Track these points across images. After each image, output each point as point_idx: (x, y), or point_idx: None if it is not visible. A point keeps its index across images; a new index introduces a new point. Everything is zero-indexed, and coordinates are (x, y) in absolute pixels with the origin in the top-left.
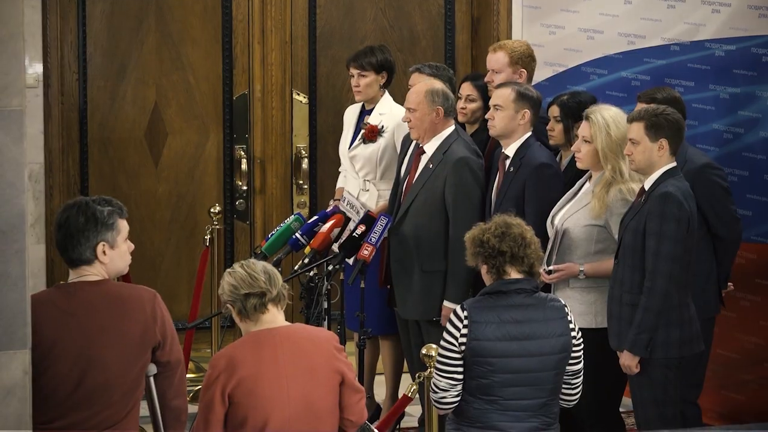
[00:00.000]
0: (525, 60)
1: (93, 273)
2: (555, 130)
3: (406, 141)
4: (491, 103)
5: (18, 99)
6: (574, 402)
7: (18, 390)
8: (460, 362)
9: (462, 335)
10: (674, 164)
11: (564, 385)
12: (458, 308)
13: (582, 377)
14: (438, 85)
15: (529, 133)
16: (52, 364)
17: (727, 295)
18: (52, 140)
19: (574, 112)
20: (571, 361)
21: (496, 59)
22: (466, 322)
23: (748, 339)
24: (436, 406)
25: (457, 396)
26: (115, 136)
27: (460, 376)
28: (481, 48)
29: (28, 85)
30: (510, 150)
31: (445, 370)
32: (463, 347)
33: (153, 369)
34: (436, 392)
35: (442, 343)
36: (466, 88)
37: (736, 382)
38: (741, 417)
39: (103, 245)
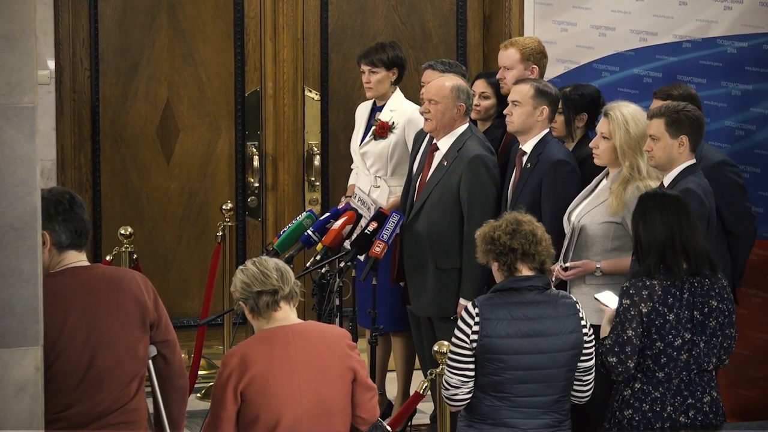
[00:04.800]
0: (536, 57)
1: (83, 259)
2: (556, 122)
3: (418, 138)
4: (510, 98)
5: (30, 96)
6: (586, 399)
7: (30, 387)
8: (472, 359)
9: (473, 332)
10: (694, 161)
11: (576, 382)
12: (469, 305)
13: (594, 374)
14: (463, 82)
15: (547, 130)
16: (61, 352)
17: (739, 292)
18: (64, 137)
19: (576, 105)
20: (582, 358)
21: (508, 56)
22: (477, 319)
23: (759, 336)
24: (447, 403)
25: (468, 393)
26: (127, 132)
27: (472, 373)
28: (493, 45)
29: (40, 82)
30: (527, 146)
31: (456, 367)
32: (474, 344)
33: (153, 350)
34: (447, 389)
35: (454, 340)
36: (480, 85)
37: (747, 379)
38: (752, 414)
39: None
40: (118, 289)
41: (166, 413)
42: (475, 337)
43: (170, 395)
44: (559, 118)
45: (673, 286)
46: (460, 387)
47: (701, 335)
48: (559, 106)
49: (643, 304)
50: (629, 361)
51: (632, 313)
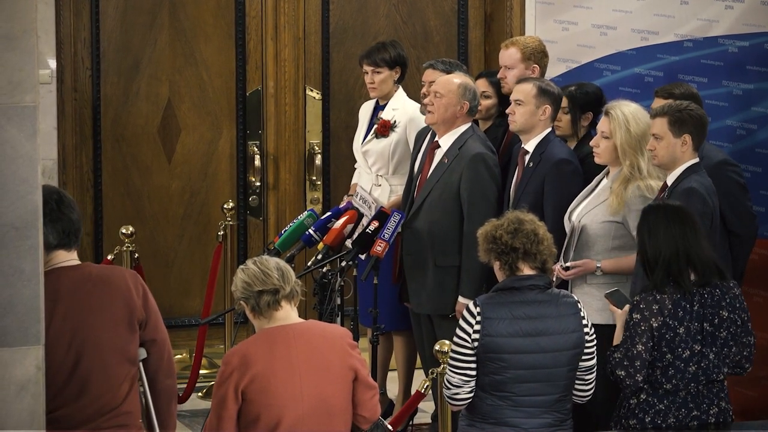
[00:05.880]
0: (537, 56)
1: (73, 258)
2: (562, 121)
3: (420, 137)
4: (512, 98)
5: (31, 95)
6: (588, 398)
7: (31, 386)
8: (473, 358)
9: (475, 331)
10: (697, 160)
11: (577, 381)
12: (471, 304)
13: (595, 373)
14: (472, 83)
15: (550, 129)
16: (46, 353)
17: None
18: (66, 136)
19: (582, 104)
20: (584, 357)
21: (509, 55)
22: (478, 318)
23: (761, 335)
24: (449, 403)
25: (470, 392)
26: (128, 132)
27: (473, 373)
28: (495, 44)
29: (42, 81)
30: (530, 145)
31: (458, 366)
32: (475, 343)
33: (143, 353)
34: (449, 389)
35: (455, 339)
36: (481, 85)
37: (749, 379)
38: (754, 413)
39: None
40: (105, 288)
41: (156, 413)
42: (476, 336)
43: (157, 395)
44: (565, 117)
45: (683, 299)
46: (461, 386)
47: (711, 347)
48: (565, 105)
49: (653, 319)
50: (638, 375)
51: (642, 327)
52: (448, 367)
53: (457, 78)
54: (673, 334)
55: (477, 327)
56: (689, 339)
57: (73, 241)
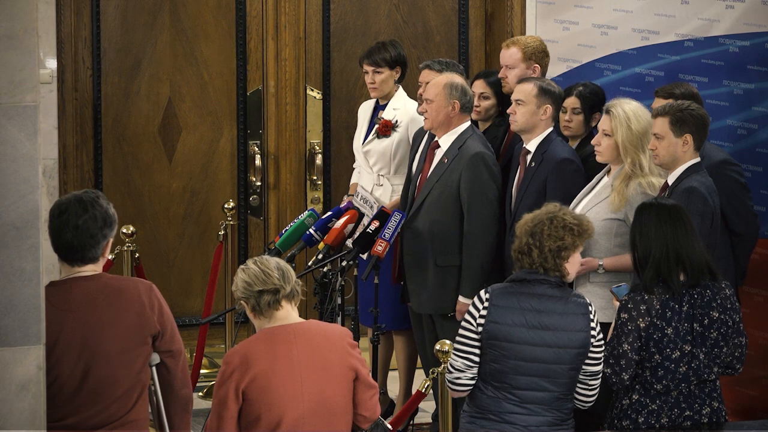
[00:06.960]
0: (538, 55)
1: (90, 269)
2: (573, 121)
3: (418, 136)
4: (513, 98)
5: (32, 95)
6: (590, 404)
7: (32, 385)
8: (477, 343)
9: (481, 316)
10: (698, 159)
11: (581, 386)
12: (482, 291)
13: (600, 379)
14: (458, 79)
15: (551, 128)
16: (56, 362)
17: (741, 291)
18: (66, 136)
19: (592, 103)
20: (589, 362)
21: (510, 55)
22: (486, 304)
23: (762, 335)
24: (450, 388)
25: (471, 379)
26: (129, 131)
27: (477, 358)
28: (495, 44)
29: (42, 80)
30: (531, 145)
31: (462, 350)
32: (480, 328)
33: (156, 358)
34: (451, 372)
35: (462, 323)
36: (479, 86)
37: (750, 378)
38: (754, 413)
39: (109, 242)
40: (118, 301)
41: (168, 423)
42: (482, 321)
43: (171, 405)
44: (576, 118)
45: (672, 299)
46: (464, 371)
47: (701, 347)
48: (576, 105)
49: (641, 319)
50: (623, 374)
51: (629, 327)
52: (453, 350)
53: (443, 79)
54: (661, 335)
55: (483, 312)
56: (678, 339)
57: (72, 257)
